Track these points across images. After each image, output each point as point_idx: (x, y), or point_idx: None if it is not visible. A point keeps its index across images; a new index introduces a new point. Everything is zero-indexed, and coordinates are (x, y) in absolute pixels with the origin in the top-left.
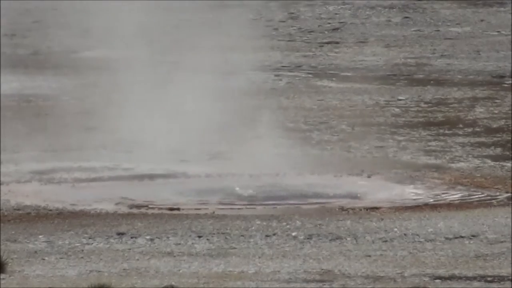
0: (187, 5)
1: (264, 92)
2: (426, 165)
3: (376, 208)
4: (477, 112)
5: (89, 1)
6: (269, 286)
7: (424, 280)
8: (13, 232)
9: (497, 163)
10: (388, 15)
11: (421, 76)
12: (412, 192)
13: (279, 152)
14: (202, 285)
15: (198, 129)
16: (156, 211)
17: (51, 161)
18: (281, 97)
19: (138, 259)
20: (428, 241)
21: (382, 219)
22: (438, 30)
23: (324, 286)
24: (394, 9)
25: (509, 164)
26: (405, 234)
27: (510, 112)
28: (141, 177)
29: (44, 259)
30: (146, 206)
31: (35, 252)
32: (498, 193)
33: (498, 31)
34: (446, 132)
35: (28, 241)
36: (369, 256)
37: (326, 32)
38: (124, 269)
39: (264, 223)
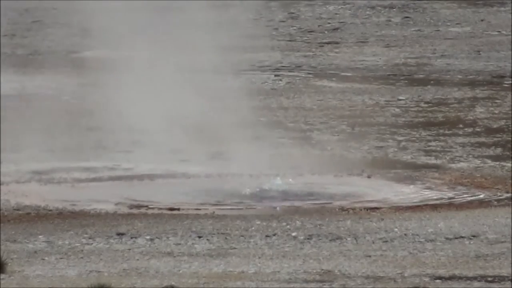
0: (187, 5)
1: (264, 92)
2: (426, 165)
3: (376, 208)
4: (477, 112)
5: (89, 1)
6: (269, 286)
7: (425, 280)
8: (13, 232)
9: (497, 163)
10: (388, 15)
11: (421, 76)
12: (412, 192)
13: (279, 152)
14: (202, 285)
15: (198, 129)
16: (156, 211)
17: (51, 161)
18: (281, 97)
19: (138, 259)
20: (428, 241)
21: (382, 219)
22: (438, 30)
23: (324, 286)
24: (394, 9)
25: (509, 164)
26: (405, 234)
27: (510, 112)
28: (141, 177)
29: (44, 259)
30: (146, 206)
31: (35, 252)
32: (498, 193)
33: (498, 31)
34: (446, 132)
35: (28, 241)
36: (369, 256)
37: (326, 32)
38: (124, 269)
39: (264, 223)
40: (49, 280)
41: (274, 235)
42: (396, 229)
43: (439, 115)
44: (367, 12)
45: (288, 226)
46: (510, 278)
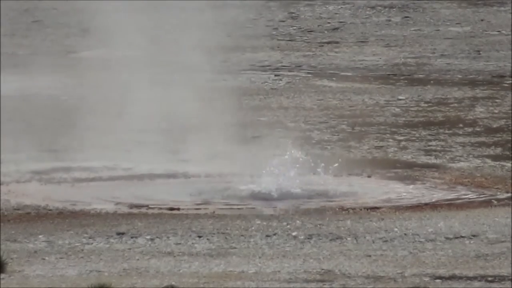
0: (187, 5)
1: (264, 92)
2: (426, 165)
3: (376, 208)
4: (477, 112)
5: (89, 1)
6: (269, 286)
7: (425, 280)
8: (13, 232)
9: (498, 163)
10: (388, 14)
11: (421, 75)
12: (412, 192)
13: (279, 152)
14: (202, 285)
15: (198, 129)
16: (156, 211)
17: (51, 161)
18: (281, 97)
19: (138, 259)
20: (428, 241)
21: (383, 219)
22: (438, 30)
23: (324, 286)
24: (394, 9)
25: (509, 164)
26: (405, 234)
27: (510, 112)
28: (141, 177)
29: (44, 259)
30: (146, 206)
31: (35, 252)
32: (498, 193)
33: (498, 31)
34: (446, 131)
35: (28, 241)
36: (370, 256)
37: (326, 32)
38: (124, 269)
39: (264, 223)
40: (49, 280)
41: (274, 234)
42: (396, 229)
43: (439, 115)
44: (367, 12)
45: (288, 226)
46: (510, 278)
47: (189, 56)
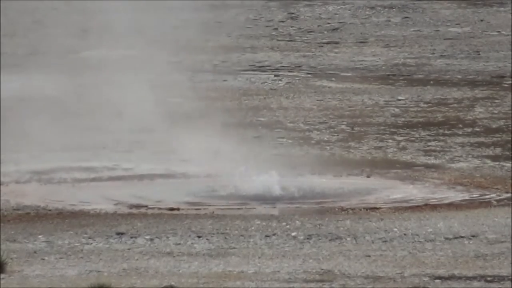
0: (187, 5)
1: (263, 92)
2: (425, 165)
3: (376, 208)
4: (477, 112)
5: (89, 1)
6: (269, 286)
7: (424, 280)
8: (12, 232)
9: (497, 163)
10: (387, 15)
11: (420, 76)
12: (412, 192)
13: (279, 152)
14: (202, 285)
15: (198, 129)
16: (156, 211)
17: (51, 161)
18: (280, 97)
19: (137, 259)
20: (428, 241)
21: (382, 219)
22: (438, 30)
23: (324, 286)
24: (393, 9)
25: (509, 164)
26: (405, 234)
27: (510, 112)
28: (141, 177)
29: (43, 259)
30: (146, 206)
31: (35, 252)
32: (498, 193)
33: (498, 31)
34: (446, 132)
35: (27, 241)
36: (369, 256)
37: (325, 32)
38: (123, 269)
39: (264, 223)
40: (49, 280)
41: (273, 235)
42: (395, 229)
43: (438, 115)
44: (367, 12)
45: (287, 226)
46: (510, 278)
47: (189, 56)
